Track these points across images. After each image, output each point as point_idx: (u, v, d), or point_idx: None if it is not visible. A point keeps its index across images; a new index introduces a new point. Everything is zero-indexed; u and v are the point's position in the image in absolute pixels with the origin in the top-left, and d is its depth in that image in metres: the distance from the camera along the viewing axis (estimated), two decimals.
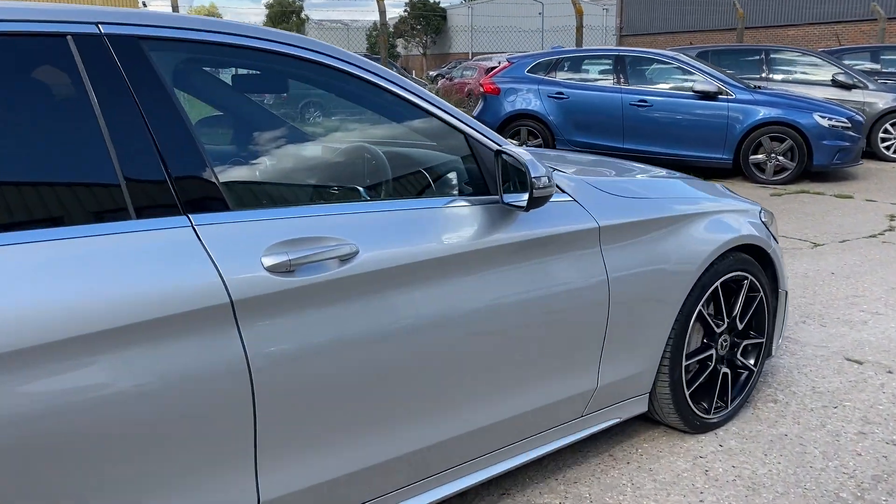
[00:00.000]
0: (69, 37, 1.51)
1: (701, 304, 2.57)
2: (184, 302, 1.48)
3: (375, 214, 1.82)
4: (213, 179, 1.61)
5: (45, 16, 1.50)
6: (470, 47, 46.91)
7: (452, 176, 2.15)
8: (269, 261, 1.60)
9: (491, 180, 2.05)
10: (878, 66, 11.71)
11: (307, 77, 2.00)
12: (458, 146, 2.10)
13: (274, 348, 1.60)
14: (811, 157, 7.92)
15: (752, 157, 8.08)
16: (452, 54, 48.88)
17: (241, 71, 2.26)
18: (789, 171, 8.03)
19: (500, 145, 2.04)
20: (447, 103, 2.06)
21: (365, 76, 1.91)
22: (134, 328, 1.42)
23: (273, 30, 1.80)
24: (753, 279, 2.75)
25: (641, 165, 3.20)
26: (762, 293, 2.81)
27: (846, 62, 10.89)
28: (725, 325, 2.72)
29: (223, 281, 1.53)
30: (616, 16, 31.98)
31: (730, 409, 2.79)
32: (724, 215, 2.67)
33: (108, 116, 1.50)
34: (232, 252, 1.57)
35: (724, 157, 8.17)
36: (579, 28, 11.95)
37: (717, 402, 2.74)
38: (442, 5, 56.45)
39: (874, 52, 12.04)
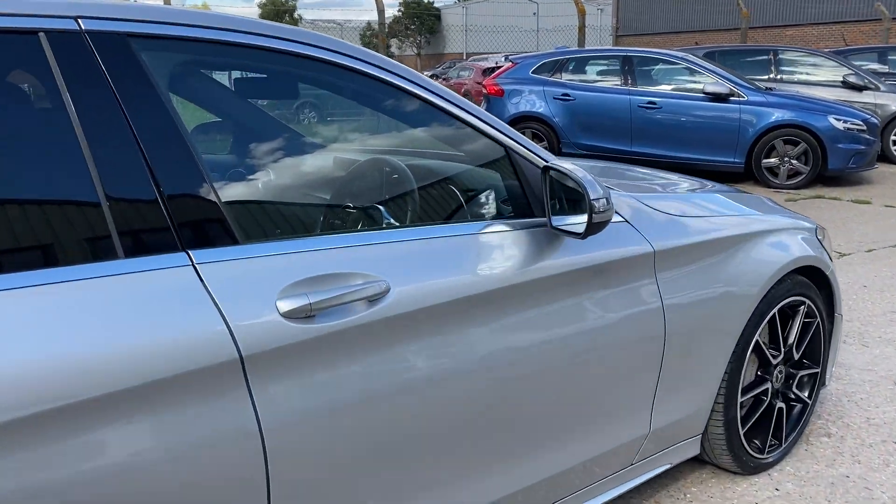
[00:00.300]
0: (41, 34, 1.23)
1: (758, 333, 2.30)
2: (183, 361, 1.20)
3: (407, 244, 1.55)
4: (218, 206, 1.33)
5: (11, 7, 1.22)
6: (464, 47, 46.65)
7: (489, 195, 1.88)
8: (285, 305, 1.32)
9: (536, 201, 1.78)
10: (885, 67, 11.48)
11: (324, 81, 1.73)
12: (495, 160, 1.83)
13: (290, 409, 1.33)
14: (826, 160, 7.68)
15: (764, 160, 7.83)
16: (447, 54, 48.58)
17: (245, 74, 1.98)
18: (803, 176, 7.78)
19: (546, 161, 1.76)
20: (482, 110, 1.79)
21: (390, 79, 1.63)
22: (121, 396, 1.14)
23: (285, 26, 1.53)
24: (811, 304, 2.49)
25: (673, 174, 2.94)
26: (819, 319, 2.55)
27: (854, 63, 10.64)
28: (782, 356, 2.46)
29: (231, 332, 1.26)
30: (612, 16, 31.75)
31: (784, 446, 2.53)
32: (783, 234, 2.40)
33: (90, 131, 1.22)
34: (241, 296, 1.29)
35: (736, 160, 7.92)
36: (581, 28, 11.69)
37: (771, 439, 2.48)
38: (436, 5, 56.14)
39: (882, 53, 11.81)
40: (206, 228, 1.31)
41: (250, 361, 1.27)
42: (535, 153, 1.78)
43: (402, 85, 1.65)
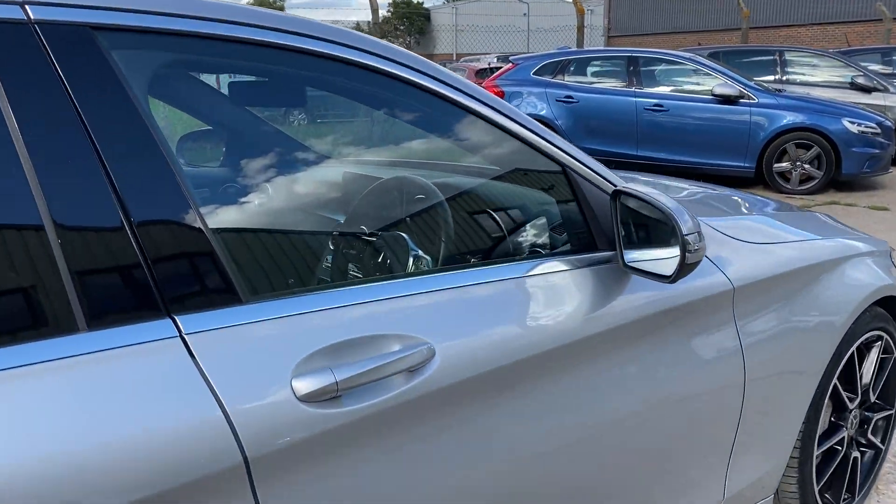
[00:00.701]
0: None
1: (837, 374, 2.00)
2: (167, 474, 0.87)
3: (450, 294, 1.23)
4: (213, 252, 1.01)
5: None
6: (454, 48, 46.33)
7: (540, 224, 1.56)
8: (304, 385, 1.00)
9: (600, 232, 1.46)
10: (889, 69, 11.22)
11: (342, 85, 1.40)
12: (548, 180, 1.52)
13: None
14: (839, 165, 7.40)
15: (776, 165, 7.55)
16: (436, 55, 48.20)
17: (244, 78, 1.65)
18: (816, 181, 7.50)
19: (615, 184, 1.45)
20: (531, 119, 1.47)
21: (417, 79, 1.30)
22: None
23: (300, 18, 1.20)
24: (889, 338, 2.19)
25: (685, 182, 2.65)
26: (895, 354, 2.25)
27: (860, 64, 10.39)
28: (859, 398, 2.15)
29: (233, 429, 0.93)
30: (604, 16, 31.51)
31: (857, 500, 2.23)
32: (861, 259, 2.09)
33: (38, 154, 0.90)
34: (246, 377, 0.97)
35: (746, 165, 7.63)
36: (580, 27, 11.42)
37: (844, 493, 2.17)
38: (426, 5, 55.80)
39: (885, 53, 11.57)
40: (199, 283, 0.99)
41: (258, 465, 0.95)
42: (601, 174, 1.46)
43: (431, 85, 1.31)
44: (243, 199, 1.37)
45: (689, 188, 2.54)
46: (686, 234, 1.29)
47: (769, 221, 2.03)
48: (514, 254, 1.55)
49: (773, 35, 23.47)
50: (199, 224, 1.00)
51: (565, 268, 1.40)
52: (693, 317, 1.57)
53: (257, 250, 1.22)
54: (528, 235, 1.56)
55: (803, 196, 7.48)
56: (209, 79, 1.78)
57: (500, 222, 1.58)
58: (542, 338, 1.28)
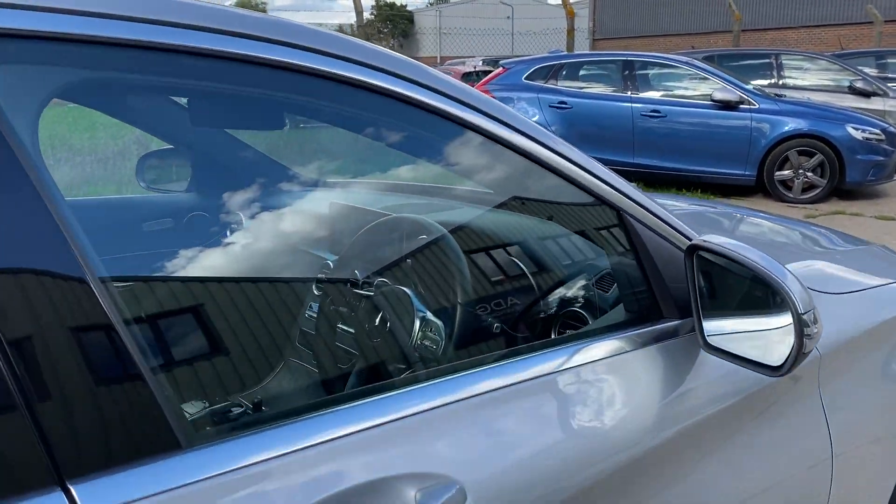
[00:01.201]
0: None
1: None
2: None
3: (478, 402, 0.88)
4: (133, 364, 0.66)
5: None
6: (438, 50, 46.05)
7: (582, 282, 1.23)
8: None
9: (667, 297, 1.12)
10: (885, 73, 11.02)
11: (330, 108, 1.06)
12: (597, 226, 1.18)
13: None
14: (843, 173, 7.12)
15: (777, 173, 7.26)
16: (420, 58, 47.78)
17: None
18: (819, 189, 7.22)
19: (690, 237, 1.11)
20: (580, 153, 1.13)
21: (429, 100, 0.97)
22: None
23: (270, 18, 0.86)
24: None
25: (682, 200, 2.33)
26: None
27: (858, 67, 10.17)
28: None
29: None
30: (589, 18, 31.32)
31: None
32: None
33: None
34: None
35: (747, 173, 7.34)
36: (570, 30, 11.13)
37: None
38: (409, 8, 55.49)
39: (879, 56, 11.38)
40: (109, 422, 0.64)
41: None
42: (670, 223, 1.12)
43: (441, 105, 0.99)
44: (184, 262, 1.01)
45: (727, 213, 2.22)
46: (803, 313, 0.96)
47: (844, 263, 1.70)
48: (549, 317, 1.22)
49: (760, 38, 23.34)
50: (108, 311, 0.65)
51: (627, 348, 1.06)
52: (774, 398, 1.24)
53: (203, 354, 0.86)
54: (570, 296, 1.22)
55: (806, 205, 7.20)
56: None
57: (533, 279, 1.24)
58: (604, 455, 0.94)
